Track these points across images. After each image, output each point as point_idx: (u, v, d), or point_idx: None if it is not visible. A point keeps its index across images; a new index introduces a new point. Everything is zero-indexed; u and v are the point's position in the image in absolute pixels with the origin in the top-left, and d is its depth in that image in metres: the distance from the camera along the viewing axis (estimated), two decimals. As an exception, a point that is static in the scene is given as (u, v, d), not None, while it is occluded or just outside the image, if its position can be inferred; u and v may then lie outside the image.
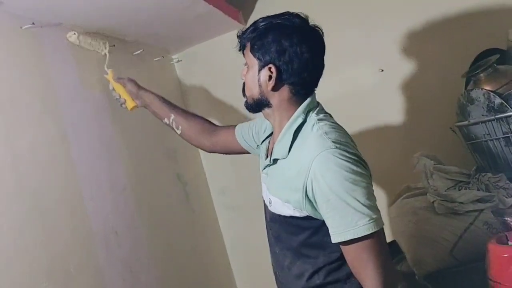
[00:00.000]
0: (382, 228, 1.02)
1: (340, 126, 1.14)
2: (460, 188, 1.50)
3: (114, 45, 1.67)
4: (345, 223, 1.00)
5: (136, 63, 1.89)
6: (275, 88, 1.12)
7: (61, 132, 1.38)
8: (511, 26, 1.62)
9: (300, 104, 1.14)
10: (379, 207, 1.03)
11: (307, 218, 1.09)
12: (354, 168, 1.01)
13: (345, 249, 1.04)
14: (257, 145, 1.37)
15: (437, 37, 1.83)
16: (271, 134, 1.26)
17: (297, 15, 1.13)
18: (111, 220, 1.48)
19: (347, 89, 1.93)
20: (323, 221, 1.06)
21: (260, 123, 1.37)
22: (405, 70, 1.88)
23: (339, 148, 1.02)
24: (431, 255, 1.42)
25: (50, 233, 1.23)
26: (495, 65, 1.49)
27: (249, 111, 1.21)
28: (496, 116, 1.40)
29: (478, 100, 1.47)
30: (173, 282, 1.72)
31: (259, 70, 1.13)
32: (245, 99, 1.21)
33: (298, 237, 1.13)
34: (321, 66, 1.15)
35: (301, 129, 1.12)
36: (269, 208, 1.20)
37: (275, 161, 1.16)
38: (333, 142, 1.04)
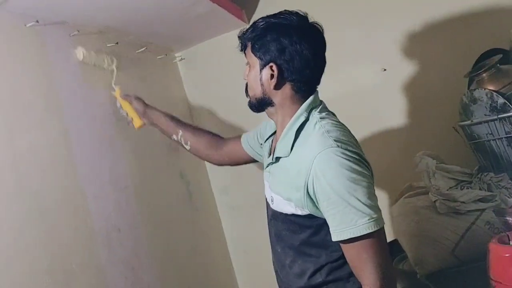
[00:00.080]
0: (383, 228, 1.02)
1: (343, 124, 1.15)
2: (462, 187, 1.50)
3: (117, 43, 1.67)
4: (345, 221, 1.00)
5: (139, 61, 1.89)
6: (277, 87, 1.13)
7: (63, 130, 1.38)
8: (514, 26, 1.62)
9: (303, 102, 1.14)
10: (380, 206, 1.03)
11: (309, 216, 1.09)
12: (355, 167, 1.01)
13: (345, 247, 1.05)
14: (261, 144, 1.38)
15: (439, 37, 1.83)
16: (275, 132, 1.26)
17: (296, 13, 1.13)
18: (113, 218, 1.48)
19: (349, 89, 1.93)
20: (325, 220, 1.06)
21: (264, 125, 1.38)
22: (407, 70, 1.88)
23: (341, 147, 1.03)
24: (433, 255, 1.42)
25: (51, 233, 1.23)
26: (498, 65, 1.49)
27: (253, 111, 1.22)
28: (499, 116, 1.40)
29: (481, 100, 1.46)
30: (175, 281, 1.72)
31: (261, 70, 1.14)
32: (248, 99, 1.22)
33: (300, 235, 1.13)
34: (323, 62, 1.16)
35: (303, 127, 1.12)
36: (271, 206, 1.20)
37: (278, 159, 1.16)
38: (334, 140, 1.04)
